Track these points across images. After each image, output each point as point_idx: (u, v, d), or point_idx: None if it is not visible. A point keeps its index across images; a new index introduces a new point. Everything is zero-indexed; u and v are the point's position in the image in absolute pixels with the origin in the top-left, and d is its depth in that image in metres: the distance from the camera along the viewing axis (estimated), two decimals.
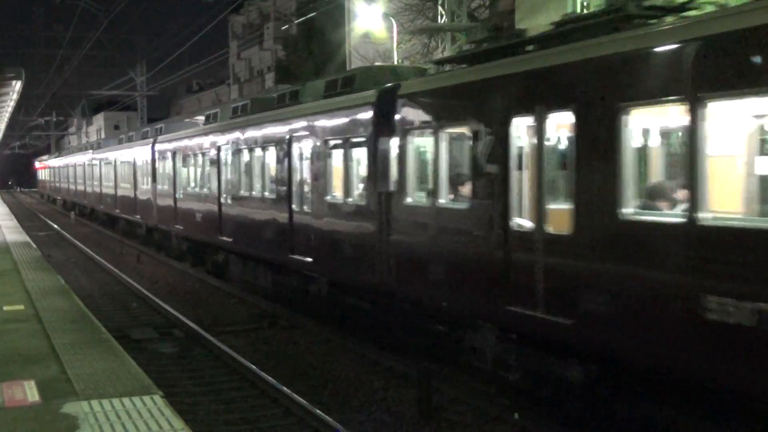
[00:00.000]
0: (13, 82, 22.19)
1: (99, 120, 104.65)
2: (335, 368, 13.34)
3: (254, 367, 13.04)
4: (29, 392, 7.87)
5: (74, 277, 23.73)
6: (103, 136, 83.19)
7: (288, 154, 17.05)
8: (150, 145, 30.22)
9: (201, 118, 29.22)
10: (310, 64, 47.72)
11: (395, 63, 29.96)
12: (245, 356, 13.86)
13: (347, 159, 14.68)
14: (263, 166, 18.77)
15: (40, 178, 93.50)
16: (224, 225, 21.26)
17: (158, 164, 29.10)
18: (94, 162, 45.72)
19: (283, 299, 18.30)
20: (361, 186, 14.44)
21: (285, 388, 11.76)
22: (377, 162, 13.43)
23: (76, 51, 60.13)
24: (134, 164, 33.29)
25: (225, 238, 21.18)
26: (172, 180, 26.78)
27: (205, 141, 23.13)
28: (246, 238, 19.75)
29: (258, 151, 19.04)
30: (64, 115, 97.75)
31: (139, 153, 32.66)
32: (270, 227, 18.05)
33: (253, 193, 19.38)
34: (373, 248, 13.62)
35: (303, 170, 16.65)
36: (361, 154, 14.39)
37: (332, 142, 15.23)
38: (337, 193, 15.23)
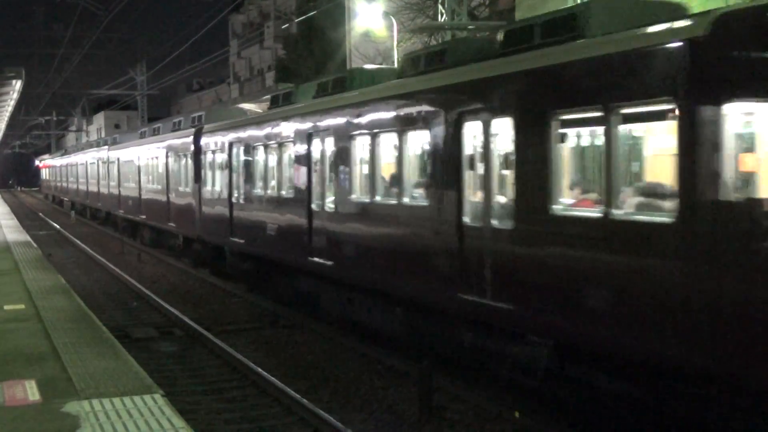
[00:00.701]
0: (14, 81, 22.23)
1: (99, 119, 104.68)
2: (336, 367, 13.34)
3: (255, 366, 13.03)
4: (30, 391, 7.88)
5: (75, 277, 23.74)
6: (103, 135, 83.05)
7: (454, 140, 11.30)
8: (191, 137, 24.39)
9: (266, 98, 24.52)
10: (311, 63, 47.71)
11: (395, 62, 30.01)
12: (246, 355, 13.86)
13: (611, 145, 8.68)
14: (399, 160, 12.82)
15: (44, 177, 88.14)
16: (317, 242, 15.52)
17: (204, 160, 23.18)
18: (110, 159, 39.61)
19: (434, 357, 12.12)
20: (634, 188, 8.85)
21: (286, 387, 11.75)
22: (705, 146, 7.59)
23: (77, 50, 60.28)
24: (166, 161, 27.52)
25: (320, 260, 15.35)
26: (226, 180, 20.85)
27: (284, 128, 17.32)
28: (362, 262, 14.01)
29: (387, 139, 13.36)
30: (64, 114, 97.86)
31: (173, 147, 26.74)
32: (411, 249, 12.46)
33: (377, 198, 13.49)
34: (701, 304, 7.63)
35: (485, 164, 10.79)
36: (646, 134, 8.88)
37: (564, 118, 9.39)
38: (577, 199, 9.58)
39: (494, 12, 30.55)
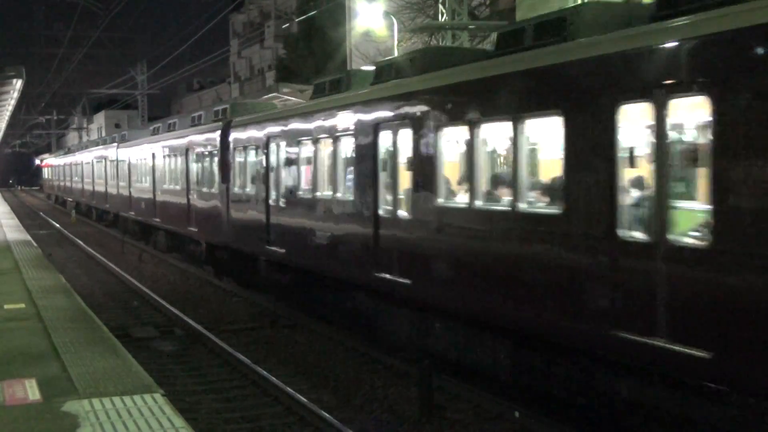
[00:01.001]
0: (14, 80, 22.19)
1: (99, 118, 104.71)
2: (336, 367, 13.34)
3: (255, 365, 13.04)
4: (30, 391, 7.87)
5: (75, 276, 23.73)
6: (103, 134, 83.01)
7: (609, 129, 8.74)
8: (218, 132, 21.70)
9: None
10: (311, 63, 47.74)
11: None
12: (246, 355, 13.86)
13: None
14: (515, 154, 10.15)
15: (47, 176, 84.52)
16: (387, 255, 12.97)
17: (234, 158, 20.60)
18: (120, 158, 36.97)
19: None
20: None
21: (286, 387, 11.76)
22: None
23: (77, 49, 60.41)
24: (186, 159, 24.96)
25: (390, 277, 12.84)
26: (263, 180, 18.29)
27: (341, 120, 14.67)
28: (454, 282, 11.37)
29: (494, 131, 10.80)
30: (65, 113, 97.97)
31: (195, 144, 23.98)
32: (535, 270, 9.82)
33: (477, 203, 10.92)
34: None
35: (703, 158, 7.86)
36: None
37: None
38: None
39: (495, 12, 30.53)
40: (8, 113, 39.57)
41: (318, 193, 15.66)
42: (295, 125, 16.74)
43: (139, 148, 32.90)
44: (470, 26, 24.10)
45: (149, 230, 31.77)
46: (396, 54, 29.38)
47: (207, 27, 70.27)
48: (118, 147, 38.08)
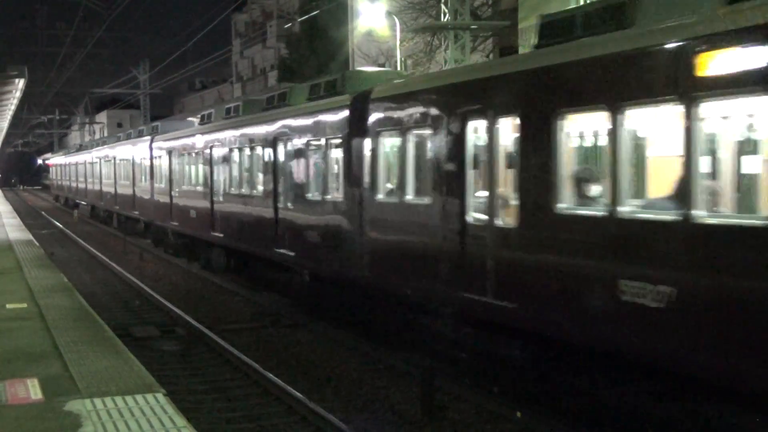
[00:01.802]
0: (17, 80, 22.19)
1: (102, 118, 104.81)
2: (338, 366, 13.34)
3: (257, 365, 13.04)
4: (32, 390, 7.87)
5: (77, 275, 23.75)
6: (106, 133, 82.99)
7: None
8: (343, 113, 15.07)
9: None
10: (313, 63, 47.76)
11: (398, 61, 30.05)
12: (248, 354, 13.86)
13: None
14: None
15: (54, 176, 76.75)
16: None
17: (378, 151, 13.75)
18: (156, 154, 29.72)
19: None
20: None
21: (287, 386, 11.76)
22: None
23: (79, 49, 60.46)
24: (273, 154, 18.24)
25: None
26: (445, 184, 11.79)
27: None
28: None
29: None
30: (67, 113, 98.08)
31: (291, 133, 17.48)
32: None
33: None
34: None
35: None
36: None
37: None
38: None
39: (497, 12, 30.53)
40: (10, 113, 39.51)
41: (625, 209, 8.48)
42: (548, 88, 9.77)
43: (188, 140, 25.51)
44: (472, 26, 24.08)
45: (196, 245, 25.20)
46: (398, 54, 29.41)
47: (209, 27, 70.35)
48: (152, 141, 30.60)
